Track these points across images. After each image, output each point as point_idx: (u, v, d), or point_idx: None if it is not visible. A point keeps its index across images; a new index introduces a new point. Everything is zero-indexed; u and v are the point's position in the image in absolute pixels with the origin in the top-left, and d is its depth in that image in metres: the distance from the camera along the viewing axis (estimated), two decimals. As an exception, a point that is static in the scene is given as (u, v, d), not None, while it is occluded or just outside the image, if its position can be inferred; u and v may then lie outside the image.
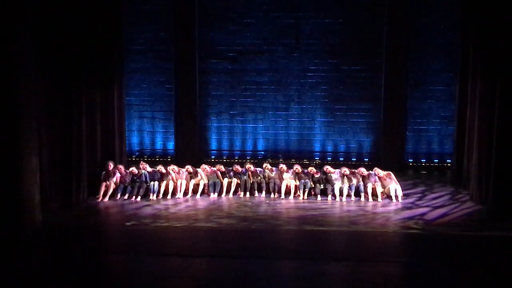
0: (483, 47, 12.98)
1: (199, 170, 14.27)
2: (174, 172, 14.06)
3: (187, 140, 18.05)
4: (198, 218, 12.01)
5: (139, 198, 13.61)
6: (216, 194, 13.99)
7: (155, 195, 13.71)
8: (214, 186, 14.09)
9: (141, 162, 14.58)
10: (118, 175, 13.92)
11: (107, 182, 13.68)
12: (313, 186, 14.03)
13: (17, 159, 10.35)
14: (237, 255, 9.57)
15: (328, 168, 14.16)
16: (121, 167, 14.19)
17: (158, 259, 9.38)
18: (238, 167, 14.46)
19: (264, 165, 14.60)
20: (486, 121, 12.75)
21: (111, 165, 13.89)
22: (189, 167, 14.35)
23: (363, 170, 13.99)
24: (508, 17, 11.83)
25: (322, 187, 13.94)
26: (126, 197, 13.69)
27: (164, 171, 14.04)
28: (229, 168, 14.49)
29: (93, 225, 11.46)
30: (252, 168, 14.41)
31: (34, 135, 10.85)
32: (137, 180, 13.98)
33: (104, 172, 13.85)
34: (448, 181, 15.84)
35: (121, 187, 13.85)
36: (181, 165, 14.67)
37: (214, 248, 10.00)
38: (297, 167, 14.19)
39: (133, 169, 14.18)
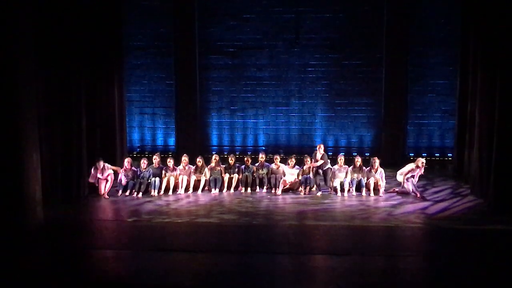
0: (483, 41, 12.95)
1: (206, 169, 14.28)
2: (182, 164, 14.20)
3: (188, 136, 18.07)
4: (199, 214, 12.01)
5: (140, 195, 13.63)
6: (217, 190, 14.00)
7: (156, 191, 13.72)
8: (215, 182, 14.10)
9: (143, 161, 14.48)
10: (110, 171, 13.77)
11: (94, 180, 13.57)
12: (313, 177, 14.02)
13: (18, 156, 10.35)
14: (238, 250, 9.58)
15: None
16: (127, 162, 14.18)
17: (160, 255, 9.40)
18: (248, 159, 14.58)
19: (275, 156, 14.66)
20: (487, 114, 12.73)
21: (100, 165, 13.72)
22: (200, 160, 14.37)
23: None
24: (508, 11, 11.80)
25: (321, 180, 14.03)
26: (127, 193, 13.69)
27: (171, 165, 14.06)
28: (236, 164, 14.51)
29: (95, 221, 11.46)
30: (263, 159, 14.48)
31: (35, 132, 10.85)
32: (139, 176, 13.98)
33: (93, 169, 13.67)
34: (449, 175, 15.84)
35: (122, 183, 13.86)
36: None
37: (216, 244, 10.00)
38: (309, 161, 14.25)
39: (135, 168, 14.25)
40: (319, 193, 13.68)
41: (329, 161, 14.37)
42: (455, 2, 16.40)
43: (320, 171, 14.19)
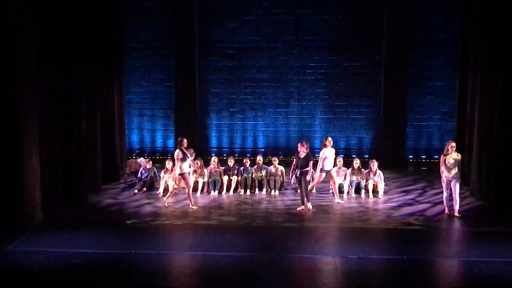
0: (483, 43, 12.97)
1: (205, 171, 14.29)
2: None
3: (187, 138, 17.98)
4: (199, 216, 12.01)
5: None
6: (216, 191, 14.00)
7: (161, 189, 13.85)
8: (214, 183, 14.09)
9: (148, 160, 14.87)
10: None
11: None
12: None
13: (17, 158, 10.35)
14: (238, 252, 9.57)
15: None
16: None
17: (159, 257, 9.39)
18: (247, 161, 14.55)
19: (273, 158, 14.65)
20: (487, 116, 12.75)
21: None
22: (199, 162, 14.40)
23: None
24: (508, 13, 11.82)
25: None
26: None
27: (170, 167, 14.07)
28: (236, 166, 14.49)
29: (94, 223, 11.43)
30: (261, 161, 14.44)
31: (35, 134, 10.85)
32: (143, 175, 14.38)
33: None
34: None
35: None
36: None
37: (215, 246, 9.99)
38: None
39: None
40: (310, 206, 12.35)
41: (311, 163, 12.33)
42: (455, 4, 16.41)
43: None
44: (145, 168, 14.47)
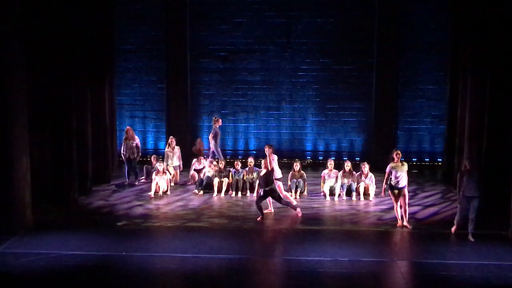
0: (473, 46, 13.05)
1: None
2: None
3: (178, 139, 17.98)
4: (190, 218, 12.00)
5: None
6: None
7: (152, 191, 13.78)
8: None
9: (153, 157, 15.49)
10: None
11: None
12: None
13: (7, 159, 10.32)
14: (229, 254, 9.57)
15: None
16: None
17: (150, 259, 9.38)
18: (238, 163, 14.55)
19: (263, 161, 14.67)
20: (477, 119, 12.82)
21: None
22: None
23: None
24: (497, 17, 11.90)
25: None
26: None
27: (161, 169, 14.05)
28: (227, 168, 14.48)
29: (85, 225, 11.39)
30: (252, 163, 14.43)
31: (25, 136, 10.81)
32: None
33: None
34: (439, 180, 15.90)
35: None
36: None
37: (206, 248, 9.99)
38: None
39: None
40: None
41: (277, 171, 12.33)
42: (446, 8, 16.49)
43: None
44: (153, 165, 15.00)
